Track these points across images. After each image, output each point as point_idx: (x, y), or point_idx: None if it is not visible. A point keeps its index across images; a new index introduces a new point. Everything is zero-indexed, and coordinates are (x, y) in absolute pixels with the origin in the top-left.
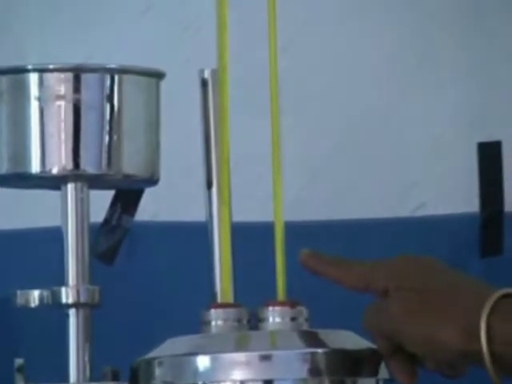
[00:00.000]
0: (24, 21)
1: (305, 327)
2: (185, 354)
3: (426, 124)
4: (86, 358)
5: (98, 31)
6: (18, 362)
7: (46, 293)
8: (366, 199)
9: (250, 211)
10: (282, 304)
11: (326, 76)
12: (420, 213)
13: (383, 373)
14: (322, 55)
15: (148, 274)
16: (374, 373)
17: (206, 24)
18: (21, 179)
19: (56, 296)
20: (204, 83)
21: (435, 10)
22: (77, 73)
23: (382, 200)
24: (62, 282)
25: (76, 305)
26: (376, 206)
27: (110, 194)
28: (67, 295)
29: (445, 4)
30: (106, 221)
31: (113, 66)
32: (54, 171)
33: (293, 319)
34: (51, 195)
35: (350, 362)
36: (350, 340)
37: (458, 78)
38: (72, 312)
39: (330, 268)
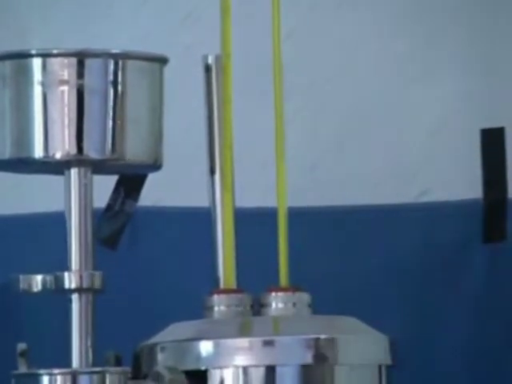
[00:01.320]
0: (26, 5)
1: (307, 313)
2: (187, 340)
3: (429, 111)
4: (89, 343)
5: (98, 18)
6: (21, 346)
7: (48, 278)
8: (369, 186)
9: (252, 197)
10: (284, 290)
11: (328, 63)
12: (423, 199)
13: (386, 358)
14: (324, 43)
15: (151, 259)
16: (376, 358)
17: (208, 11)
18: (24, 164)
19: (59, 281)
20: (207, 69)
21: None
22: (80, 58)
23: (385, 186)
24: (64, 267)
25: (79, 290)
26: (379, 192)
27: (113, 179)
28: (70, 280)
29: None
30: (109, 206)
31: (116, 51)
32: (58, 156)
33: (295, 305)
34: (53, 180)
35: (352, 348)
36: (353, 326)
37: (460, 65)
38: (75, 297)
39: None
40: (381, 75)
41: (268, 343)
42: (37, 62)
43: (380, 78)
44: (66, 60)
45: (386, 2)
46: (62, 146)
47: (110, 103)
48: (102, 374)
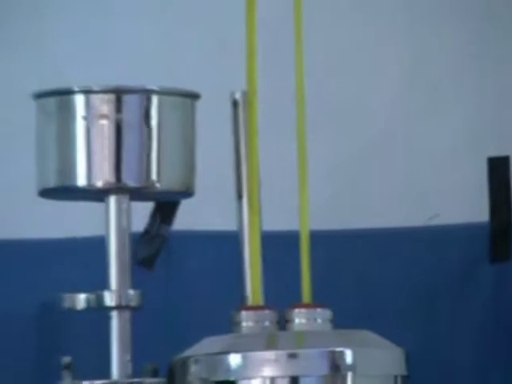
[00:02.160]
0: (60, 45)
1: (328, 327)
2: (218, 353)
3: (439, 141)
4: (128, 356)
5: (138, 58)
6: (66, 359)
7: (91, 296)
8: (384, 210)
9: (277, 221)
10: (307, 306)
11: (347, 99)
12: (434, 222)
13: (401, 369)
14: (343, 80)
15: (184, 278)
16: (392, 369)
17: (235, 50)
18: (68, 192)
19: (100, 299)
20: (235, 104)
21: (447, 37)
22: (118, 94)
23: (399, 211)
24: (105, 287)
25: (118, 307)
26: (394, 216)
27: (150, 205)
28: (110, 298)
29: (456, 26)
30: (147, 230)
31: (151, 87)
32: (98, 184)
33: (317, 320)
34: (94, 206)
35: (369, 360)
36: (370, 339)
37: (469, 100)
38: (114, 314)
39: None
40: (396, 109)
41: (292, 356)
42: (79, 99)
43: (394, 111)
44: (105, 96)
45: (401, 44)
46: (102, 176)
47: (146, 136)
48: None
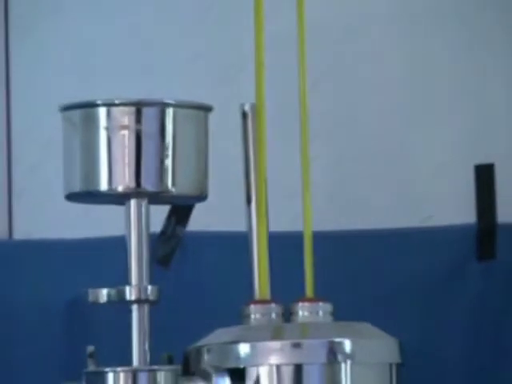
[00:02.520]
0: (98, 68)
1: (329, 320)
2: (229, 343)
3: (432, 149)
4: (146, 346)
5: (154, 72)
6: (90, 348)
7: (112, 291)
8: (381, 213)
9: (283, 223)
10: (310, 300)
11: (347, 111)
12: (427, 224)
13: (396, 358)
14: (345, 93)
15: (198, 275)
16: (387, 358)
17: (246, 67)
18: (91, 196)
19: (121, 294)
20: (244, 115)
21: (434, 61)
22: (138, 107)
23: (395, 213)
24: (125, 282)
25: (138, 301)
26: (391, 218)
27: (166, 208)
28: (130, 293)
29: (442, 45)
30: (163, 231)
31: (168, 100)
32: (120, 189)
33: (319, 313)
34: (116, 209)
35: (366, 349)
36: (368, 330)
37: (459, 111)
38: (134, 307)
39: None
40: (390, 121)
41: (296, 345)
42: (102, 111)
43: (389, 123)
44: (126, 108)
45: (399, 58)
46: (123, 181)
47: (163, 145)
48: (157, 372)
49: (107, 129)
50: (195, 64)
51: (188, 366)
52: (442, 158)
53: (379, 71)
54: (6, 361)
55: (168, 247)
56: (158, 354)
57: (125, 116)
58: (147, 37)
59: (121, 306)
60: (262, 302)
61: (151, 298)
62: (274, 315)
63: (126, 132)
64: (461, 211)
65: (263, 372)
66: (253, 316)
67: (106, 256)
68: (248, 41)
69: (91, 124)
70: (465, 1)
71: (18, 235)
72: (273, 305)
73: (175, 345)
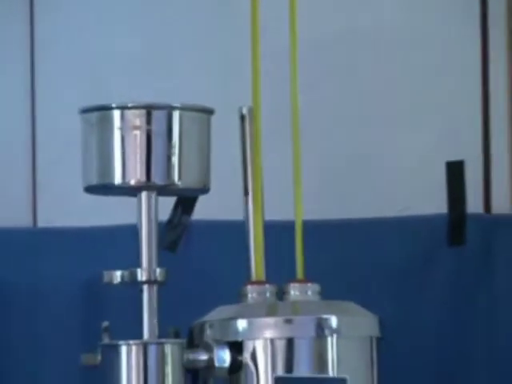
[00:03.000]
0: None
1: (317, 299)
2: (229, 319)
3: (409, 148)
4: (155, 322)
5: (162, 78)
6: (105, 323)
7: (125, 273)
8: (365, 203)
9: (276, 212)
10: (300, 281)
11: (335, 114)
12: (405, 213)
13: (375, 332)
14: (333, 99)
15: (201, 259)
16: (368, 332)
17: (243, 74)
18: (107, 188)
19: (133, 275)
20: (242, 118)
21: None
22: (148, 109)
23: (376, 204)
24: (136, 265)
25: (148, 282)
26: (373, 208)
27: (172, 199)
28: (142, 275)
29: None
30: (170, 220)
31: (175, 104)
32: (132, 182)
33: (308, 293)
34: (128, 200)
35: (350, 325)
36: (351, 308)
37: (433, 114)
38: (145, 287)
39: None
40: (373, 124)
41: (288, 321)
42: (116, 113)
43: (372, 125)
44: (138, 111)
45: (382, 66)
46: (135, 175)
47: (170, 143)
48: (165, 344)
49: (121, 129)
50: (199, 71)
51: (192, 339)
52: (417, 155)
53: (362, 81)
54: (32, 334)
55: (175, 234)
56: (165, 329)
57: (136, 118)
58: (158, 46)
59: (132, 286)
60: (258, 282)
61: (159, 279)
62: (268, 294)
63: (137, 132)
64: (434, 203)
65: (259, 345)
66: (250, 295)
67: (119, 242)
68: (246, 51)
69: (107, 125)
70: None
71: (42, 223)
72: (267, 285)
73: (181, 321)
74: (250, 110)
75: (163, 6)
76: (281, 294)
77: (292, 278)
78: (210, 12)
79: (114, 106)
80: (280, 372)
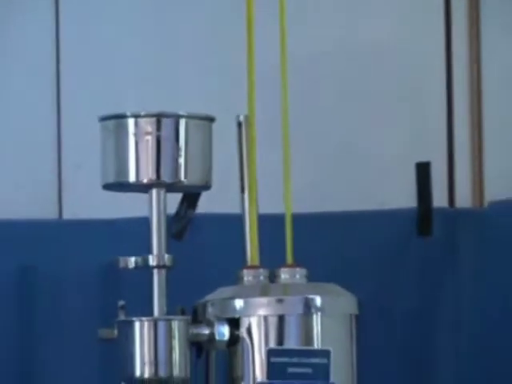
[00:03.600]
0: (124, 83)
1: (304, 281)
2: (228, 298)
3: (384, 150)
4: (164, 301)
5: (170, 90)
6: (121, 303)
7: (139, 259)
8: (346, 198)
9: (269, 206)
10: (290, 266)
11: (321, 119)
12: (381, 207)
13: (354, 310)
14: (319, 109)
15: (204, 247)
16: (348, 310)
17: (240, 86)
18: (122, 186)
19: (145, 261)
20: (239, 124)
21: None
22: (158, 118)
23: (357, 198)
24: (147, 252)
25: (158, 266)
26: (354, 202)
27: (179, 195)
28: (152, 260)
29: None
30: (177, 213)
31: (181, 113)
32: (144, 181)
33: (296, 276)
34: (141, 196)
35: (333, 303)
36: (334, 290)
37: (404, 120)
38: (155, 271)
39: None
40: (352, 129)
41: (279, 301)
42: (131, 121)
43: (352, 130)
44: (149, 119)
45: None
46: (147, 174)
47: (177, 146)
48: (172, 321)
49: (135, 134)
50: (202, 83)
51: (196, 316)
52: (391, 157)
53: (343, 93)
54: (57, 312)
55: (181, 225)
56: (173, 308)
57: (148, 125)
58: (165, 61)
59: (144, 271)
60: (253, 267)
61: (168, 264)
62: (262, 277)
63: (149, 137)
64: (405, 198)
65: (254, 321)
66: (246, 278)
67: (133, 232)
68: (242, 65)
69: (122, 131)
70: None
71: (66, 216)
72: (261, 269)
73: (186, 300)
74: (246, 118)
75: (169, 26)
76: (273, 277)
77: (282, 264)
78: (210, 31)
79: (128, 114)
80: (272, 345)
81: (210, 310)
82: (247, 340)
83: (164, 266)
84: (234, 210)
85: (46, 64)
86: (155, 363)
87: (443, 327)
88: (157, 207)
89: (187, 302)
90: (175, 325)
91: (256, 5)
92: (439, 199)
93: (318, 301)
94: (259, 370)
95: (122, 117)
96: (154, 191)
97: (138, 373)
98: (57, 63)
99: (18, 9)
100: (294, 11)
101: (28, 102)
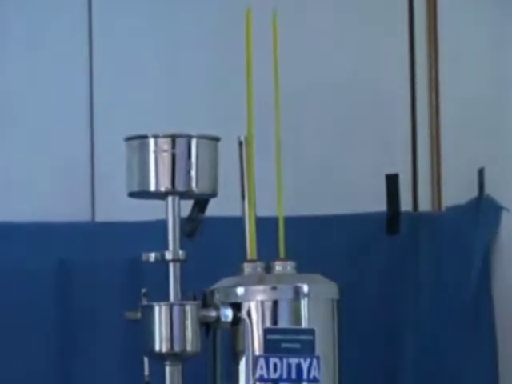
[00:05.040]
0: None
1: (294, 272)
2: (231, 286)
3: (360, 164)
4: (178, 288)
5: (182, 116)
6: (143, 290)
7: (157, 254)
8: (327, 204)
9: (265, 210)
10: (282, 260)
11: (309, 140)
12: (356, 211)
13: (335, 295)
14: (305, 129)
15: (212, 244)
16: (330, 295)
17: (241, 112)
18: (143, 194)
19: (163, 256)
20: (240, 143)
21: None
22: (173, 138)
23: (338, 203)
24: (165, 248)
25: (173, 260)
26: (334, 207)
27: (190, 201)
28: (169, 255)
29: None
30: (189, 216)
31: (192, 134)
32: (162, 189)
33: (287, 268)
34: (159, 202)
35: (317, 290)
36: (319, 279)
37: (373, 142)
38: (171, 264)
39: None
40: (331, 144)
41: (274, 288)
42: (151, 141)
43: (330, 145)
44: (166, 139)
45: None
46: (164, 184)
47: (189, 162)
48: (185, 305)
49: (154, 151)
50: (210, 110)
51: (205, 301)
52: (365, 169)
53: (323, 119)
54: (91, 301)
55: (193, 226)
56: (186, 294)
57: (165, 144)
58: (178, 89)
59: (162, 264)
60: (252, 260)
61: (182, 258)
62: (259, 269)
63: (166, 154)
64: (377, 203)
65: (253, 305)
66: (246, 270)
67: (153, 232)
68: (243, 96)
69: (144, 148)
70: None
71: (98, 218)
72: (258, 262)
73: (197, 288)
74: (246, 138)
75: (180, 65)
76: (268, 269)
77: (276, 258)
78: (213, 70)
79: (149, 135)
80: (268, 324)
81: (216, 296)
82: (247, 321)
83: (178, 260)
84: (236, 213)
85: (80, 86)
86: (171, 340)
87: (405, 314)
88: (172, 211)
89: (198, 290)
90: (188, 308)
91: (254, 47)
92: (405, 204)
93: (306, 288)
94: (257, 345)
95: (143, 137)
96: (170, 198)
97: (157, 348)
98: (90, 89)
99: (51, 39)
100: (285, 52)
101: (64, 120)
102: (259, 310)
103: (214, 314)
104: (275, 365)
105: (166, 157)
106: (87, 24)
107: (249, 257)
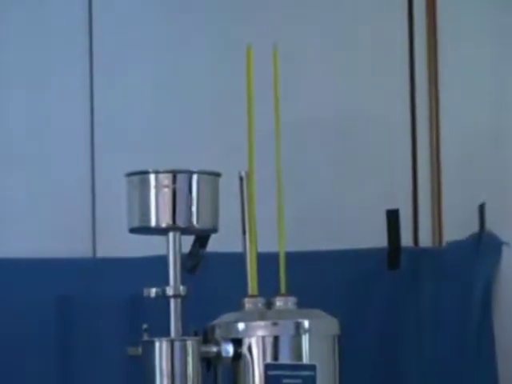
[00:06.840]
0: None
1: (295, 308)
2: (232, 322)
3: (361, 201)
4: (179, 325)
5: (182, 151)
6: (145, 326)
7: (158, 289)
8: (327, 240)
9: (266, 246)
10: (283, 295)
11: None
12: (358, 247)
13: (337, 331)
14: (307, 166)
15: (213, 279)
16: (332, 331)
17: (241, 149)
18: (144, 229)
19: (164, 291)
20: (241, 179)
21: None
22: (174, 174)
23: (337, 240)
24: (167, 284)
25: (174, 296)
26: (334, 243)
27: (191, 237)
28: (170, 290)
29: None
30: (191, 251)
31: (193, 170)
32: (163, 225)
33: (288, 303)
34: (160, 238)
35: (318, 326)
36: (319, 314)
37: (375, 180)
38: (172, 300)
39: None
40: (329, 181)
41: (275, 324)
42: (152, 176)
43: (328, 183)
44: (166, 175)
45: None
46: (165, 220)
47: (190, 197)
48: (187, 341)
49: (155, 187)
50: (212, 146)
51: (206, 336)
52: (366, 206)
53: (324, 156)
54: (91, 337)
55: (194, 261)
56: (187, 330)
57: (166, 179)
58: (179, 125)
59: (163, 300)
60: (253, 296)
61: (183, 293)
62: (260, 305)
63: (166, 189)
64: (378, 238)
65: (253, 341)
66: (247, 305)
67: (154, 267)
68: (243, 133)
69: (145, 184)
70: None
71: (99, 254)
72: (259, 298)
73: (198, 323)
74: (247, 174)
75: (180, 101)
76: (269, 304)
77: (277, 293)
78: (215, 108)
79: (150, 171)
80: (269, 360)
81: (217, 331)
82: (248, 356)
83: (179, 296)
84: (237, 249)
85: (81, 124)
86: (172, 376)
87: (407, 348)
88: (173, 247)
89: (199, 325)
90: (189, 344)
91: (255, 82)
92: (405, 239)
93: (306, 324)
94: (258, 381)
95: (144, 173)
96: (171, 234)
97: None
98: (91, 126)
99: (51, 73)
100: (286, 87)
101: (65, 157)
102: (260, 345)
103: (215, 349)
104: None
105: (166, 193)
106: (88, 58)
107: (250, 292)
